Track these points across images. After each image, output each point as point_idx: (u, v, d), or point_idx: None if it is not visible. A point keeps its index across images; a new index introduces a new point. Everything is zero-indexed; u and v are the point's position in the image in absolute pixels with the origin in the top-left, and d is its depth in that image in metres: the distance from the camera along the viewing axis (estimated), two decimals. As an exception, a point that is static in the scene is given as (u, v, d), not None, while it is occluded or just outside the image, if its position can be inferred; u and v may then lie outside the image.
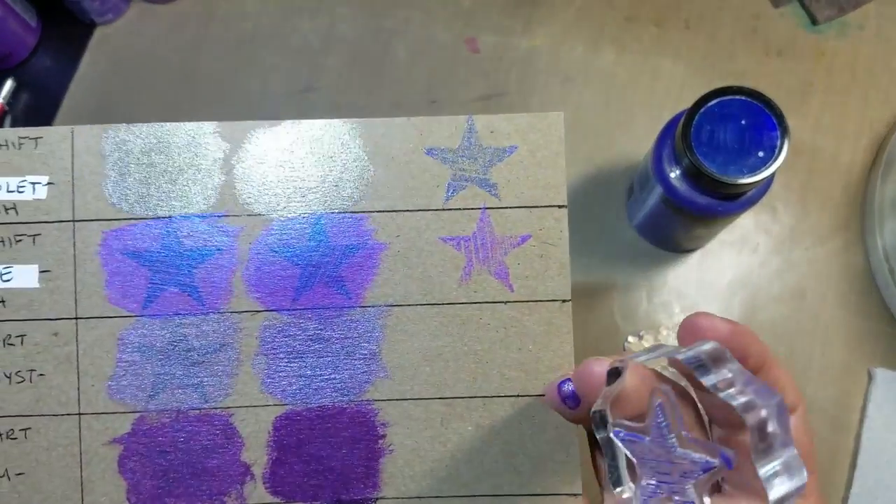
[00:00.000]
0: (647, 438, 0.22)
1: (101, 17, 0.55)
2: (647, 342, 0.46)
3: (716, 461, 0.22)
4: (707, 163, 0.35)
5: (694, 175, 0.36)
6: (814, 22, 0.51)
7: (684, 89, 0.50)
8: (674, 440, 0.22)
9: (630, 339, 0.46)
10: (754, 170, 0.35)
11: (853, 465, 0.43)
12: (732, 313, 0.46)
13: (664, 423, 0.22)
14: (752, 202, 0.38)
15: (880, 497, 0.42)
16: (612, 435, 0.23)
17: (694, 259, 0.47)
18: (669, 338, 0.46)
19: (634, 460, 0.23)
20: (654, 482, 0.22)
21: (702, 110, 0.36)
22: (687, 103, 0.36)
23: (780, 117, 0.35)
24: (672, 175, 0.38)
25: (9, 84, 0.55)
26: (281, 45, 0.54)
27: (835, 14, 0.50)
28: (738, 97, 0.36)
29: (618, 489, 0.23)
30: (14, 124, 0.55)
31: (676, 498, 0.22)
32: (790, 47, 0.50)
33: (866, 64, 0.50)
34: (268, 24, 0.55)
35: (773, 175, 0.35)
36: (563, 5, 0.53)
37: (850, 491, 0.42)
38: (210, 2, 0.56)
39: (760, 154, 0.35)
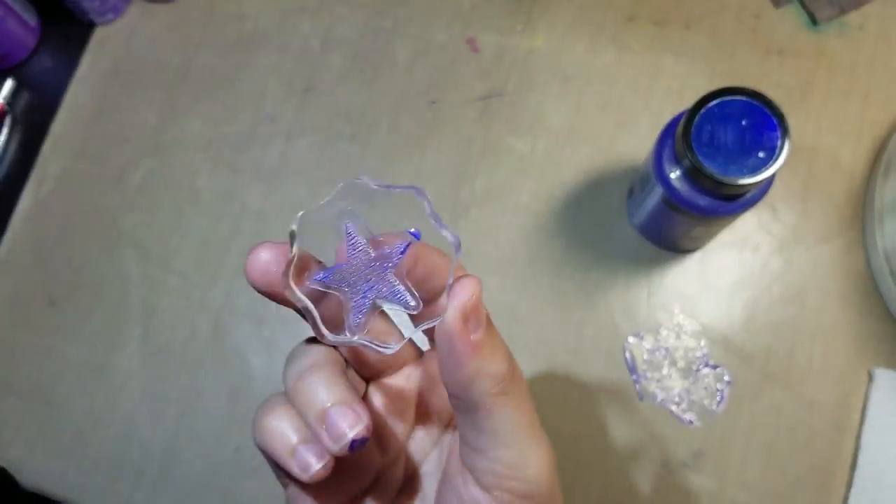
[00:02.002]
0: (344, 264, 0.24)
1: (100, 17, 0.55)
2: (648, 342, 0.46)
3: (408, 239, 0.23)
4: (708, 163, 0.35)
5: (694, 175, 0.36)
6: (814, 22, 0.50)
7: (685, 89, 0.50)
8: (365, 246, 0.24)
9: (630, 338, 0.46)
10: (755, 170, 0.35)
11: (853, 466, 0.43)
12: (733, 314, 0.46)
13: (353, 241, 0.24)
14: (752, 202, 0.38)
15: (880, 497, 0.42)
16: (312, 284, 0.23)
17: (694, 259, 0.47)
18: (670, 338, 0.46)
19: (342, 289, 0.24)
20: (360, 295, 0.24)
21: (702, 111, 0.36)
22: (687, 103, 0.36)
23: (781, 118, 0.35)
24: (672, 175, 0.38)
25: (9, 84, 0.55)
26: (281, 46, 0.54)
27: (835, 14, 0.50)
28: (738, 97, 0.36)
29: (330, 337, 0.23)
30: (14, 124, 0.55)
31: (384, 292, 0.24)
32: (791, 47, 0.50)
33: (867, 64, 0.49)
34: (267, 24, 0.55)
35: (773, 175, 0.35)
36: (563, 5, 0.53)
37: (850, 491, 0.42)
38: (210, 2, 0.56)
39: (761, 154, 0.35)
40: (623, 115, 0.50)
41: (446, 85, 0.52)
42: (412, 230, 0.24)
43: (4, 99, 0.54)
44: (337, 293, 0.24)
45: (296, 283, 0.24)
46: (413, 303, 0.24)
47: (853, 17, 0.50)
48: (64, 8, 0.55)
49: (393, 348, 0.24)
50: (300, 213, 0.24)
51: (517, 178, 0.50)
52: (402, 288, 0.24)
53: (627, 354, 0.46)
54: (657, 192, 0.40)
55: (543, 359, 0.46)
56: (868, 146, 0.48)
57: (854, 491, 0.42)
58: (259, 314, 0.49)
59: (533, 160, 0.50)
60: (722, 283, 0.47)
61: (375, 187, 0.24)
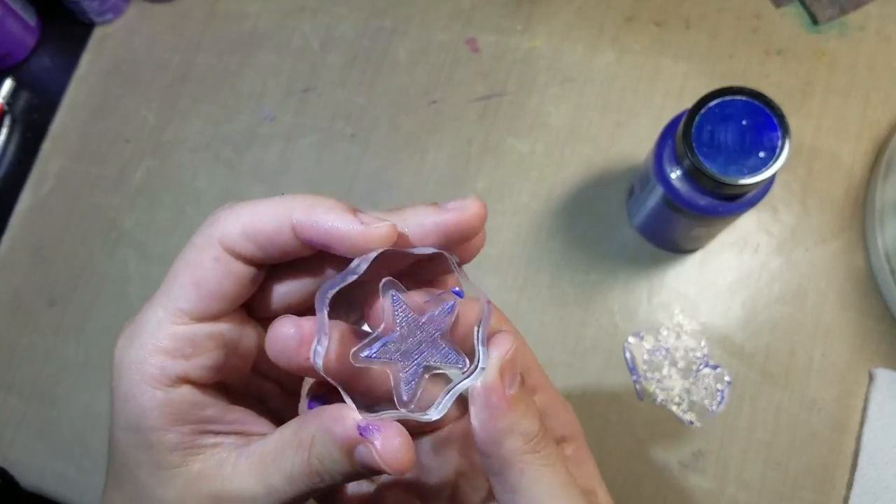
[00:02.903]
0: (394, 332, 0.22)
1: (100, 17, 0.55)
2: (648, 342, 0.46)
3: (450, 300, 0.23)
4: (708, 163, 0.35)
5: (695, 175, 0.36)
6: (815, 22, 0.50)
7: (685, 89, 0.50)
8: (411, 313, 0.23)
9: (630, 338, 0.46)
10: (755, 170, 0.35)
11: (854, 466, 0.43)
12: (733, 313, 0.46)
13: (401, 309, 0.22)
14: (752, 203, 0.38)
15: (881, 497, 0.42)
16: (359, 364, 0.22)
17: (694, 259, 0.47)
18: (670, 338, 0.46)
19: (392, 362, 0.23)
20: (412, 365, 0.23)
21: (702, 111, 0.36)
22: (688, 103, 0.36)
23: (781, 118, 0.35)
24: (673, 175, 0.38)
25: (8, 83, 0.55)
26: (281, 45, 0.54)
27: (836, 14, 0.50)
28: (738, 97, 0.36)
29: (369, 416, 0.22)
30: (13, 124, 0.55)
31: (435, 357, 0.23)
32: (791, 47, 0.50)
33: (867, 64, 0.49)
34: (267, 24, 0.55)
35: (773, 176, 0.35)
36: (563, 5, 0.53)
37: (850, 491, 0.42)
38: (210, 2, 0.56)
39: (761, 154, 0.35)
40: (623, 116, 0.50)
41: (446, 85, 0.52)
42: (455, 289, 0.23)
43: (4, 99, 0.54)
44: (384, 367, 0.23)
45: (334, 361, 0.22)
46: (464, 362, 0.23)
47: (854, 18, 0.50)
48: (63, 8, 0.55)
49: (434, 415, 0.23)
50: (329, 290, 0.22)
51: (517, 177, 0.50)
52: (451, 350, 0.23)
53: (627, 354, 0.46)
54: (657, 193, 0.40)
55: (543, 359, 0.46)
56: (868, 146, 0.48)
57: (855, 491, 0.42)
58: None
59: (533, 160, 0.50)
60: (722, 283, 0.47)
61: (410, 252, 0.22)
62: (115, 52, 0.55)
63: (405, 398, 0.22)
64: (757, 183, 0.35)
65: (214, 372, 0.23)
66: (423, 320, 0.22)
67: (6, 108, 0.54)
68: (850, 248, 0.47)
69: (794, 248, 0.47)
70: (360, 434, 0.21)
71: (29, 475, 0.47)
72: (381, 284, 0.22)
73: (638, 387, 0.45)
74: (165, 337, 0.22)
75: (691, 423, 0.44)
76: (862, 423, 0.44)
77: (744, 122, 0.35)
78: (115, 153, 0.53)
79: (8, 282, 0.51)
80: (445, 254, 0.22)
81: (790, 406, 0.44)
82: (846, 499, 0.43)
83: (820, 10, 0.50)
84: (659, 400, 0.45)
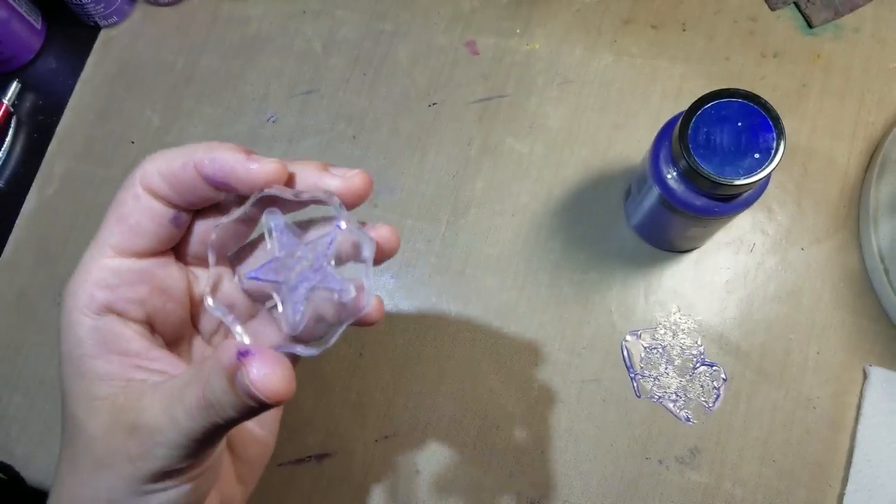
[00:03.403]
0: (274, 259, 0.24)
1: (105, 20, 0.56)
2: (645, 340, 0.47)
3: (333, 226, 0.24)
4: (704, 164, 0.35)
5: (691, 176, 0.36)
6: (810, 24, 0.51)
7: (681, 91, 0.51)
8: (292, 237, 0.24)
9: (628, 337, 0.47)
10: (750, 171, 0.35)
11: (849, 463, 0.43)
12: (729, 313, 0.47)
13: (284, 235, 0.24)
14: (748, 203, 0.38)
15: (876, 493, 0.43)
16: (245, 285, 0.24)
17: (691, 259, 0.48)
18: (666, 336, 0.47)
19: (277, 283, 0.24)
20: (296, 289, 0.24)
21: (699, 112, 0.36)
22: (684, 105, 0.37)
23: (776, 119, 0.35)
24: (669, 176, 0.39)
25: (14, 86, 0.55)
26: (283, 48, 0.55)
27: (830, 17, 0.51)
28: (734, 99, 0.36)
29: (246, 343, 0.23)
30: (19, 126, 0.55)
31: (320, 285, 0.24)
32: (786, 50, 0.51)
33: (862, 66, 0.50)
34: (270, 26, 0.55)
35: (769, 176, 0.35)
36: (561, 8, 0.53)
37: (845, 488, 0.43)
38: (213, 5, 0.56)
39: (756, 155, 0.35)
40: (620, 117, 0.51)
41: (446, 87, 0.52)
42: (337, 222, 0.24)
43: (10, 101, 0.55)
44: (271, 291, 0.24)
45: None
46: (348, 291, 0.24)
47: (848, 20, 0.51)
48: (69, 11, 0.55)
49: (317, 350, 0.24)
50: (216, 225, 0.24)
51: (516, 178, 0.50)
52: (335, 278, 0.24)
53: (625, 352, 0.46)
54: (654, 193, 0.40)
55: (542, 357, 0.47)
56: (862, 147, 0.49)
57: (850, 487, 0.43)
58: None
59: (532, 161, 0.50)
60: (718, 282, 0.47)
61: (290, 197, 0.24)
62: (120, 54, 0.56)
63: (291, 322, 0.24)
64: (752, 183, 0.35)
65: (139, 306, 0.25)
66: (306, 247, 0.24)
67: (12, 110, 0.55)
68: (844, 247, 0.47)
69: (789, 248, 0.47)
70: (238, 358, 0.21)
71: (34, 472, 0.48)
72: (264, 213, 0.24)
73: (635, 384, 0.46)
74: (94, 269, 0.25)
75: (688, 420, 0.45)
76: (856, 421, 0.44)
77: (739, 124, 0.36)
78: (120, 154, 0.54)
79: (14, 281, 0.52)
80: (327, 198, 0.24)
81: (785, 404, 0.45)
82: (841, 495, 0.43)
83: (815, 12, 0.51)
84: (656, 397, 0.45)
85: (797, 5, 0.51)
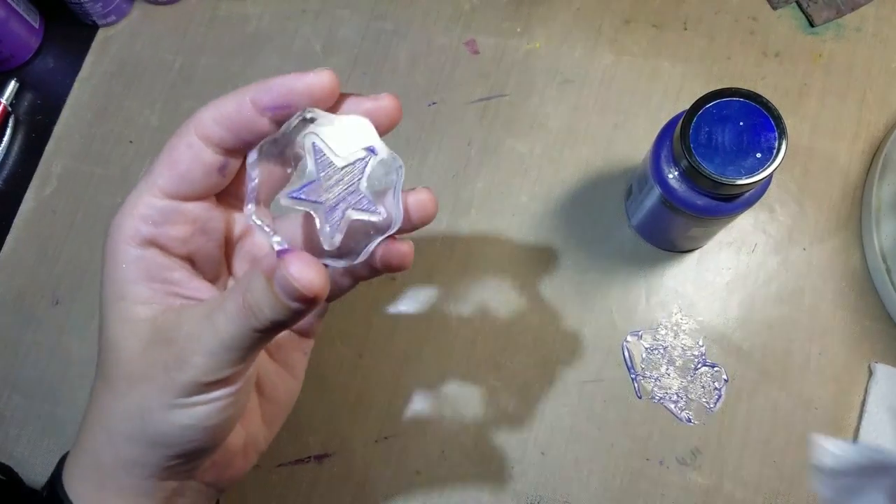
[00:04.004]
0: (314, 180, 0.25)
1: (103, 19, 0.56)
2: (646, 341, 0.46)
3: (365, 155, 0.25)
4: (705, 164, 0.35)
5: (692, 176, 0.36)
6: (811, 24, 0.51)
7: (682, 91, 0.51)
8: (331, 159, 0.25)
9: (629, 337, 0.46)
10: (752, 171, 0.35)
11: (850, 463, 0.43)
12: (730, 312, 0.46)
13: (322, 157, 0.25)
14: (749, 203, 0.38)
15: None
16: (285, 202, 0.25)
17: (692, 259, 0.48)
18: (668, 337, 0.46)
19: (315, 203, 0.25)
20: (334, 208, 0.25)
21: (700, 112, 0.36)
22: (685, 105, 0.37)
23: (778, 119, 0.35)
24: (670, 176, 0.38)
25: (12, 85, 0.55)
26: (282, 47, 0.55)
27: (832, 16, 0.51)
28: (735, 99, 0.36)
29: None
30: (17, 125, 0.55)
31: (358, 203, 0.25)
32: (788, 49, 0.51)
33: (863, 66, 0.50)
34: (269, 26, 0.55)
35: (770, 176, 0.35)
36: (561, 7, 0.53)
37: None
38: (212, 3, 0.56)
39: (758, 155, 0.35)
40: (621, 117, 0.50)
41: (446, 86, 0.52)
42: (370, 146, 0.26)
43: (8, 100, 0.55)
44: (310, 209, 0.25)
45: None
46: (383, 212, 0.25)
47: (850, 19, 0.51)
48: (67, 10, 0.55)
49: (359, 259, 0.26)
50: (259, 144, 0.25)
51: (516, 178, 0.50)
52: (371, 200, 0.25)
53: (626, 353, 0.46)
54: (655, 193, 0.40)
55: (542, 357, 0.47)
56: (864, 147, 0.48)
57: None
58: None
59: (532, 161, 0.50)
60: (719, 283, 0.47)
61: (328, 122, 0.25)
62: (119, 53, 0.56)
63: (329, 239, 0.25)
64: (754, 183, 0.35)
65: (181, 244, 0.27)
66: (343, 169, 0.25)
67: (10, 109, 0.55)
68: (846, 247, 0.47)
69: (790, 248, 0.47)
70: (279, 256, 0.23)
71: (33, 472, 0.47)
72: (302, 135, 0.25)
73: (636, 385, 0.46)
74: (141, 205, 0.26)
75: (689, 420, 0.45)
76: (860, 418, 0.44)
77: (741, 123, 0.36)
78: (118, 154, 0.53)
79: (12, 281, 0.51)
80: (365, 119, 0.26)
81: (787, 404, 0.45)
82: (842, 495, 0.43)
83: (816, 11, 0.51)
84: (657, 398, 0.45)
85: (799, 4, 0.51)
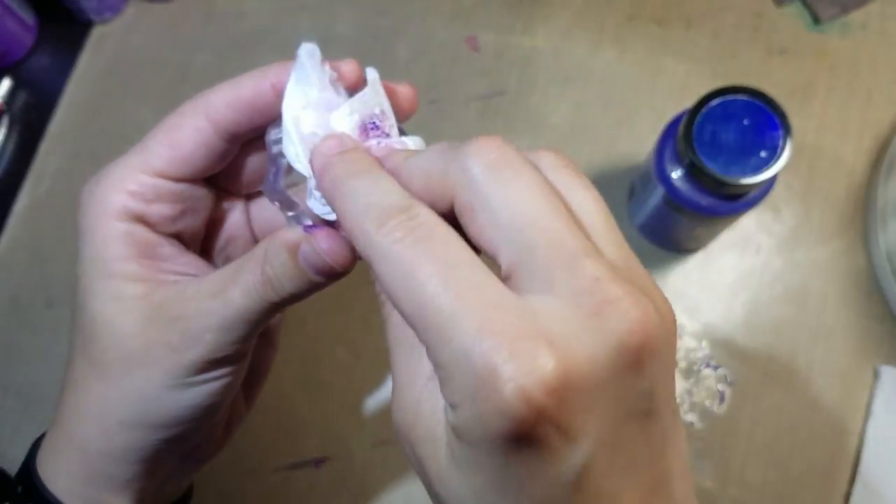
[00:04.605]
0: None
1: (98, 16, 0.55)
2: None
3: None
4: (709, 163, 0.35)
5: (696, 175, 0.36)
6: (816, 21, 0.50)
7: (686, 89, 0.50)
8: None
9: (631, 340, 0.46)
10: (757, 170, 0.35)
11: (856, 463, 0.43)
12: (734, 314, 0.46)
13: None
14: (754, 202, 0.38)
15: (883, 494, 0.42)
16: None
17: (696, 259, 0.47)
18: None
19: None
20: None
21: (704, 110, 0.35)
22: (689, 103, 0.36)
23: (783, 117, 0.35)
24: (674, 175, 0.38)
25: (6, 83, 0.54)
26: (280, 44, 0.54)
27: (838, 13, 0.50)
28: (740, 97, 0.35)
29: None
30: (11, 123, 0.54)
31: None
32: (793, 46, 0.50)
33: (869, 63, 0.49)
34: (266, 22, 0.55)
35: (775, 175, 0.35)
36: (563, 4, 0.53)
37: (853, 487, 0.42)
38: (208, 0, 0.56)
39: (763, 154, 0.35)
40: (624, 115, 0.50)
41: (446, 84, 0.52)
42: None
43: (2, 98, 0.54)
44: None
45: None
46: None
47: (856, 17, 0.50)
48: (62, 7, 0.54)
49: None
50: (273, 126, 0.24)
51: (517, 177, 0.49)
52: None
53: (628, 355, 0.46)
54: (658, 192, 0.40)
55: (544, 359, 0.46)
56: (870, 146, 0.48)
57: (857, 487, 0.42)
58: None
59: (533, 160, 0.50)
60: (723, 284, 0.47)
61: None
62: (114, 51, 0.55)
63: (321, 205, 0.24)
64: (758, 183, 0.35)
65: (169, 222, 0.26)
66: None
67: (4, 107, 0.54)
68: (851, 247, 0.47)
69: (795, 248, 0.47)
70: (306, 231, 0.23)
71: (27, 476, 0.47)
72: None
73: (639, 387, 0.45)
74: (132, 181, 0.25)
75: (692, 423, 0.44)
76: (865, 420, 0.44)
77: (745, 122, 0.35)
78: (113, 153, 0.52)
79: (5, 282, 0.51)
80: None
81: (791, 406, 0.44)
82: (848, 495, 0.43)
83: (822, 9, 0.50)
84: (660, 401, 0.45)
85: (804, 1, 0.51)
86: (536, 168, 0.20)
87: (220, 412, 0.27)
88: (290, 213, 0.24)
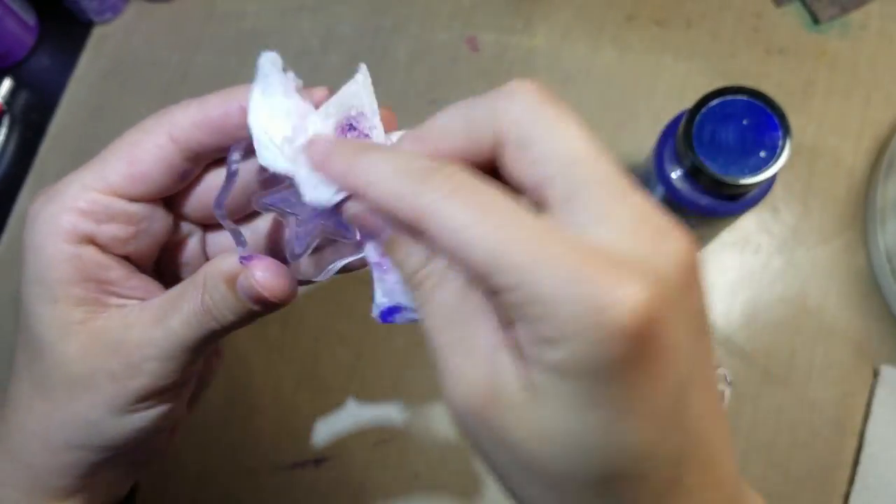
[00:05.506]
0: (293, 190, 0.23)
1: (99, 16, 0.55)
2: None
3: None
4: (709, 163, 0.35)
5: (695, 175, 0.36)
6: (816, 21, 0.50)
7: (686, 89, 0.50)
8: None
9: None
10: (756, 170, 0.35)
11: (856, 463, 0.43)
12: (734, 314, 0.46)
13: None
14: (753, 202, 0.38)
15: (882, 494, 0.42)
16: (258, 206, 0.24)
17: (695, 259, 0.47)
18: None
19: (293, 212, 0.24)
20: (307, 222, 0.24)
21: (703, 110, 0.35)
22: (688, 103, 0.36)
23: (782, 117, 0.35)
24: (673, 175, 0.38)
25: (7, 83, 0.54)
26: (280, 44, 0.54)
27: (837, 13, 0.50)
28: (739, 97, 0.35)
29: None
30: (12, 123, 0.54)
31: (329, 225, 0.24)
32: (792, 47, 0.50)
33: (869, 63, 0.49)
34: (267, 22, 0.55)
35: (774, 175, 0.35)
36: (563, 4, 0.53)
37: (852, 487, 0.42)
38: (209, 1, 0.56)
39: (762, 154, 0.35)
40: (623, 115, 0.50)
41: (446, 84, 0.52)
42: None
43: (3, 98, 0.54)
44: (282, 218, 0.24)
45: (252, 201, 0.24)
46: (354, 235, 0.24)
47: (855, 17, 0.50)
48: (62, 7, 0.54)
49: (321, 277, 0.24)
50: (237, 146, 0.24)
51: (517, 177, 0.49)
52: (344, 222, 0.24)
53: (628, 355, 0.46)
54: (658, 192, 0.40)
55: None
56: (869, 146, 0.48)
57: (856, 487, 0.42)
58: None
59: (533, 160, 0.50)
60: (723, 284, 0.47)
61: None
62: (114, 51, 0.55)
63: (297, 251, 0.24)
64: (758, 182, 0.35)
65: (121, 243, 0.25)
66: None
67: (5, 107, 0.54)
68: (851, 247, 0.47)
69: (795, 248, 0.47)
70: (242, 262, 0.22)
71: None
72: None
73: (638, 387, 0.45)
74: (84, 200, 0.23)
75: (692, 423, 0.44)
76: (865, 420, 0.44)
77: (745, 122, 0.35)
78: (114, 153, 0.53)
79: (7, 282, 0.51)
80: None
81: (791, 406, 0.44)
82: (847, 494, 0.43)
83: (821, 9, 0.50)
84: (659, 400, 0.45)
85: (803, 1, 0.51)
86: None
87: (171, 426, 0.27)
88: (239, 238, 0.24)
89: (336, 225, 0.24)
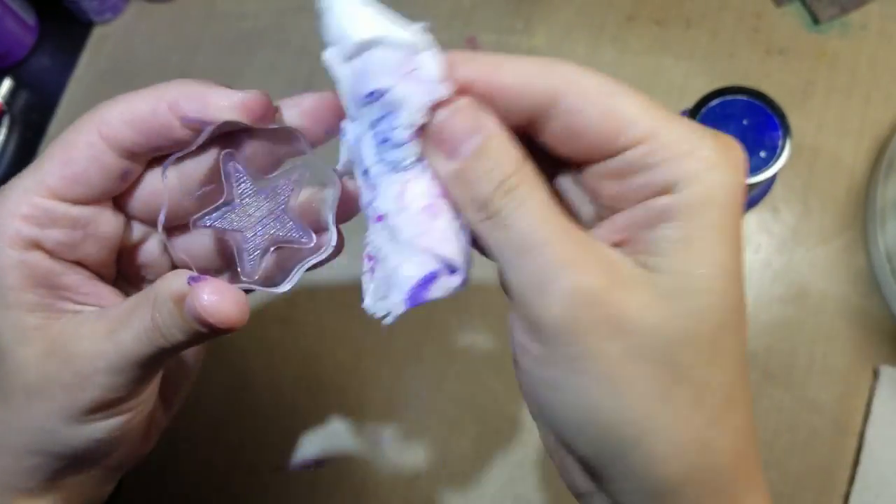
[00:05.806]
0: (234, 202, 0.23)
1: (99, 17, 0.55)
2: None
3: (295, 174, 0.23)
4: (709, 163, 0.35)
5: (696, 175, 0.36)
6: (816, 21, 0.50)
7: (686, 89, 0.50)
8: (255, 188, 0.23)
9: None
10: (756, 170, 0.35)
11: (855, 463, 0.43)
12: (734, 314, 0.46)
13: (241, 179, 0.23)
14: (754, 202, 0.38)
15: (882, 493, 0.42)
16: (196, 229, 0.23)
17: (695, 259, 0.47)
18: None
19: (233, 231, 0.23)
20: (253, 237, 0.23)
21: (703, 110, 0.36)
22: (688, 103, 0.36)
23: (782, 117, 0.35)
24: (673, 175, 0.38)
25: (7, 83, 0.54)
26: (280, 44, 0.54)
27: (837, 13, 0.50)
28: (739, 97, 0.36)
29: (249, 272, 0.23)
30: (12, 124, 0.54)
31: (278, 233, 0.23)
32: (792, 47, 0.50)
33: (868, 63, 0.49)
34: (267, 23, 0.55)
35: (775, 175, 0.35)
36: (563, 4, 0.53)
37: (852, 487, 0.42)
38: (209, 1, 0.56)
39: (762, 154, 0.35)
40: (624, 115, 0.50)
41: (446, 84, 0.52)
42: (299, 163, 0.24)
43: (3, 98, 0.54)
44: (226, 237, 0.23)
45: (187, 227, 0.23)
46: (310, 238, 0.23)
47: (855, 17, 0.50)
48: (62, 7, 0.54)
49: (284, 287, 0.24)
50: (174, 157, 0.23)
51: (517, 177, 0.49)
52: (297, 225, 0.23)
53: (628, 355, 0.46)
54: (658, 192, 0.40)
55: (544, 359, 0.46)
56: (869, 146, 0.48)
57: (856, 487, 0.42)
58: (259, 315, 0.49)
59: (533, 160, 0.50)
60: (723, 284, 0.47)
61: (259, 127, 0.23)
62: (114, 51, 0.55)
63: (247, 269, 0.23)
64: (758, 182, 0.35)
65: (69, 248, 0.24)
66: (266, 192, 0.23)
67: (5, 107, 0.54)
68: (851, 247, 0.47)
69: (795, 248, 0.47)
70: (189, 283, 0.22)
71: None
72: (221, 155, 0.23)
73: (638, 387, 0.45)
74: (25, 204, 0.23)
75: (692, 423, 0.44)
76: (865, 420, 0.44)
77: (745, 122, 0.35)
78: (113, 153, 0.53)
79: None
80: (292, 128, 0.23)
81: (791, 406, 0.44)
82: (847, 495, 0.43)
83: (821, 9, 0.50)
84: (660, 400, 0.45)
85: (803, 1, 0.51)
86: None
87: (137, 434, 0.27)
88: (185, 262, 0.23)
89: (291, 231, 0.23)
